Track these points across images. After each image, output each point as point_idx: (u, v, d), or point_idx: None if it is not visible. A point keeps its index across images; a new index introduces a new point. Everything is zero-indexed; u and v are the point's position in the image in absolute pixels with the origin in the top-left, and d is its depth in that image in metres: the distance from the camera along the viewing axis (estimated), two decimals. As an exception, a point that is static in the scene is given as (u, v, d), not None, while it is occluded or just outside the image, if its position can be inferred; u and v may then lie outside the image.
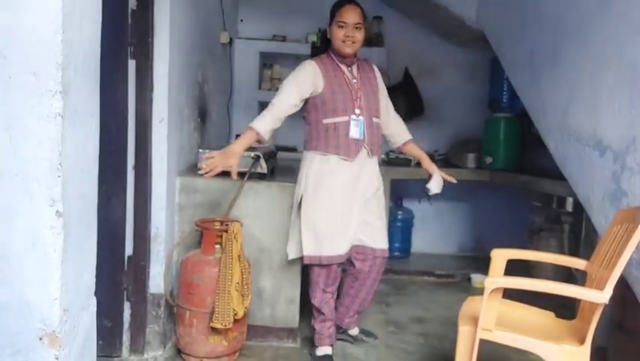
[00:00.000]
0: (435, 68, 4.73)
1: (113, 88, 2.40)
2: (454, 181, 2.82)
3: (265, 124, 2.51)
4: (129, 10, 2.42)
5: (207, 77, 3.36)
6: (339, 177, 2.54)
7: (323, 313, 2.66)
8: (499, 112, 4.31)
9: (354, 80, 2.59)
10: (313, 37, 4.49)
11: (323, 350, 2.67)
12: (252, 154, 2.81)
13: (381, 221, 2.70)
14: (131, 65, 2.45)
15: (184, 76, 2.80)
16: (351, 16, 2.51)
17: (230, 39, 3.97)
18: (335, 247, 2.54)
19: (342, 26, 2.51)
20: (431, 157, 4.46)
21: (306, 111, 2.63)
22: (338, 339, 2.84)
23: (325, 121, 2.54)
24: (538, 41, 3.08)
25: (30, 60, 1.37)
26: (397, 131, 2.84)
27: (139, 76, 2.47)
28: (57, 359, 1.44)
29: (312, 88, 2.53)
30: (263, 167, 2.83)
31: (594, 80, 2.48)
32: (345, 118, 2.53)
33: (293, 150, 4.51)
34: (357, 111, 2.54)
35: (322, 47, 2.73)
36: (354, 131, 2.52)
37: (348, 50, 2.53)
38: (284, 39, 4.50)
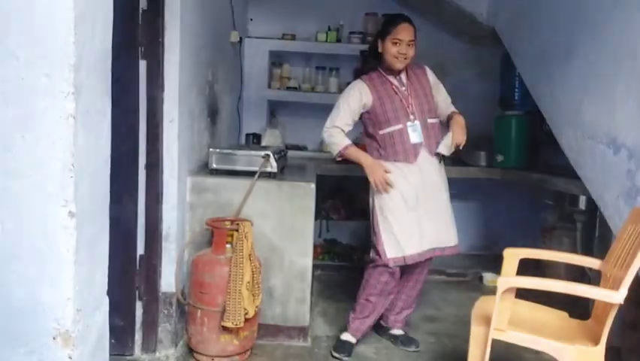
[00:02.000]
0: (445, 65, 4.67)
1: (125, 88, 2.41)
2: (460, 142, 2.72)
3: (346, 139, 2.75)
4: (140, 11, 2.42)
5: (217, 76, 3.36)
6: (404, 181, 2.64)
7: (367, 316, 2.78)
8: (510, 109, 4.26)
9: (403, 88, 2.71)
10: (323, 36, 4.48)
11: (347, 336, 2.79)
12: (262, 153, 2.81)
13: (451, 217, 2.77)
14: (142, 65, 2.46)
15: (194, 76, 2.81)
16: (406, 34, 2.64)
17: (240, 38, 3.97)
18: (414, 247, 2.64)
19: (397, 43, 2.64)
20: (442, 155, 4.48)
21: (364, 125, 2.81)
22: (380, 335, 2.92)
23: (381, 132, 2.69)
24: (550, 38, 3.05)
25: (43, 62, 1.38)
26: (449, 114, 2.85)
27: (150, 76, 2.47)
28: (70, 358, 1.45)
29: (361, 109, 2.72)
30: (273, 166, 2.83)
31: (608, 77, 2.45)
32: (400, 126, 2.66)
33: (303, 148, 4.51)
34: (412, 117, 2.67)
35: (371, 60, 2.80)
36: (414, 136, 2.65)
37: (399, 65, 2.67)
38: (293, 38, 4.50)
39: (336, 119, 2.71)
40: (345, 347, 2.74)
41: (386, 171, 2.62)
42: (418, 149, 2.66)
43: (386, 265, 2.63)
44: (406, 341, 2.88)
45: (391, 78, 2.72)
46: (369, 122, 2.75)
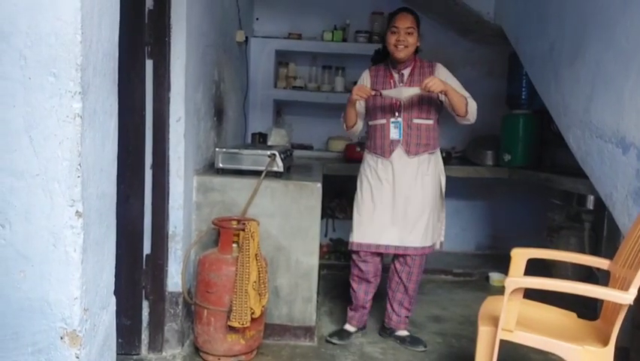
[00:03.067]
0: (452, 64, 4.61)
1: (131, 88, 2.42)
2: (428, 85, 2.56)
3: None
4: (146, 10, 2.43)
5: (223, 75, 3.36)
6: (377, 173, 2.78)
7: (352, 301, 2.94)
8: (517, 108, 4.25)
9: (401, 85, 2.74)
10: (329, 35, 4.47)
11: (345, 326, 2.95)
12: (268, 153, 2.81)
13: (422, 220, 2.76)
14: (149, 64, 2.46)
15: (200, 75, 2.81)
16: (402, 21, 2.69)
17: (246, 37, 3.97)
18: (373, 237, 2.76)
19: (395, 32, 2.70)
20: (448, 154, 4.47)
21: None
22: (385, 337, 2.94)
23: (370, 123, 2.85)
24: (558, 36, 3.03)
25: (50, 61, 1.38)
26: None
27: (156, 75, 2.48)
28: (78, 357, 1.45)
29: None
30: (279, 165, 2.82)
31: (617, 76, 2.43)
32: (383, 121, 2.77)
33: (309, 148, 4.50)
34: (396, 114, 2.73)
35: (382, 57, 2.90)
36: (393, 133, 2.73)
37: (399, 54, 2.70)
38: (299, 37, 4.49)
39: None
40: (340, 334, 2.90)
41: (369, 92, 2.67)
42: (394, 146, 2.73)
43: (354, 251, 2.81)
44: (412, 341, 2.88)
45: (394, 73, 2.78)
46: (366, 112, 2.86)
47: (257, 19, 4.60)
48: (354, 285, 2.89)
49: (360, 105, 2.81)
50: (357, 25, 4.52)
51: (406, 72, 2.77)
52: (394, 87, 2.72)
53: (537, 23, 3.31)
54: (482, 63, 4.68)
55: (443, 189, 2.88)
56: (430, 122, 2.77)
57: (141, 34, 2.42)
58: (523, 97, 4.16)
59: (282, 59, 4.60)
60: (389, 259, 2.93)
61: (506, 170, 4.25)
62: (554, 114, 3.09)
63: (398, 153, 2.73)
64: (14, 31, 1.37)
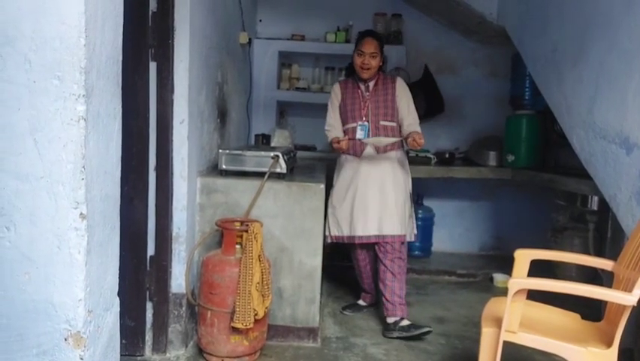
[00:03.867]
0: (455, 65, 4.68)
1: (135, 90, 2.43)
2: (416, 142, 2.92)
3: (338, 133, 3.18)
4: (150, 13, 2.44)
5: (227, 77, 3.37)
6: (349, 170, 3.09)
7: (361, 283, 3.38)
8: (520, 109, 4.24)
9: (367, 94, 3.11)
10: (332, 36, 4.48)
11: (359, 301, 3.40)
12: (272, 154, 2.82)
13: (398, 210, 3.04)
14: (152, 67, 2.47)
15: (204, 77, 2.82)
16: (368, 46, 3.02)
17: (249, 39, 3.98)
18: (348, 229, 3.07)
19: (360, 54, 3.03)
20: (452, 155, 4.47)
21: None
22: (391, 335, 2.98)
23: (344, 127, 3.16)
24: (561, 37, 3.03)
25: (54, 65, 1.39)
26: (408, 129, 3.10)
27: (160, 78, 2.49)
28: (82, 359, 1.46)
29: (337, 104, 3.19)
30: (282, 167, 2.83)
31: (620, 76, 2.43)
32: (354, 124, 3.11)
33: (312, 149, 4.51)
34: (364, 118, 3.09)
35: (351, 71, 3.23)
36: (359, 134, 3.07)
37: (364, 74, 3.07)
38: (302, 38, 4.50)
39: (328, 119, 3.20)
40: (353, 307, 3.36)
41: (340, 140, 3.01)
42: (363, 145, 3.06)
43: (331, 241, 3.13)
44: (416, 326, 2.95)
45: (361, 84, 3.13)
46: (341, 117, 3.19)
47: (260, 20, 4.61)
48: (356, 270, 3.33)
49: (336, 116, 3.17)
50: (360, 26, 4.48)
51: (371, 84, 3.12)
52: (359, 98, 3.11)
53: (540, 24, 3.30)
54: (485, 64, 4.68)
55: (410, 188, 3.18)
56: (394, 124, 3.09)
57: (145, 37, 2.43)
58: (527, 98, 4.16)
59: (285, 60, 4.61)
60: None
61: (510, 171, 4.25)
62: (558, 115, 3.09)
63: (368, 152, 3.06)
64: (19, 36, 1.38)
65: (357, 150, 3.08)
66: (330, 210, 3.12)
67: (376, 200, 3.02)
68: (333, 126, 3.17)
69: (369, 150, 3.06)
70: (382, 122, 3.07)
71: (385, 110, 3.08)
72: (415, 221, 3.24)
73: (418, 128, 3.07)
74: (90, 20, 1.41)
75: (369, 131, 3.06)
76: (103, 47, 1.49)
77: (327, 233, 3.09)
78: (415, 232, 3.23)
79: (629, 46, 2.36)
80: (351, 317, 3.27)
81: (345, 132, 3.13)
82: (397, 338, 2.94)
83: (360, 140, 3.04)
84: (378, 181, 3.04)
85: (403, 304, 3.03)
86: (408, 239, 3.12)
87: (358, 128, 3.06)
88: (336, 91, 3.20)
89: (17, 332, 1.45)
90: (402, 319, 2.99)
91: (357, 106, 3.10)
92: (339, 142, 2.98)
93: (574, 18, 2.89)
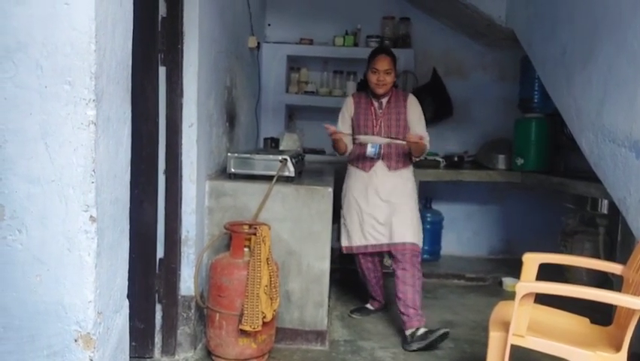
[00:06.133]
0: (463, 68, 4.67)
1: (144, 94, 2.45)
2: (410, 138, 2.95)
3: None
4: (159, 18, 2.46)
5: (235, 81, 3.40)
6: (359, 182, 3.12)
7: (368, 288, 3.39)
8: (529, 112, 4.22)
9: (380, 111, 3.13)
10: (340, 40, 4.49)
11: (367, 305, 3.41)
12: (280, 157, 2.83)
13: (410, 219, 3.05)
14: (162, 71, 2.50)
15: (213, 81, 2.84)
16: (381, 64, 3.03)
17: (258, 43, 4.01)
18: (359, 240, 3.12)
19: (375, 72, 3.04)
20: (461, 158, 4.46)
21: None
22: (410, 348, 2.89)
23: (355, 140, 3.16)
24: (570, 40, 3.01)
25: (65, 70, 1.41)
26: None
27: (169, 82, 2.51)
28: (91, 360, 1.47)
29: (350, 116, 3.21)
30: (290, 170, 2.84)
31: (629, 79, 2.41)
32: None
33: (321, 152, 4.52)
34: (375, 135, 3.09)
35: (363, 85, 3.26)
36: (370, 151, 3.10)
37: (379, 90, 3.07)
38: (311, 42, 4.52)
39: (337, 127, 3.17)
40: (361, 310, 3.38)
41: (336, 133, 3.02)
42: (373, 162, 3.10)
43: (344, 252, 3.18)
44: (432, 331, 2.87)
45: (374, 101, 3.14)
46: (352, 129, 3.21)
47: (269, 25, 4.64)
48: (362, 278, 3.33)
49: (345, 127, 3.18)
50: (368, 30, 4.54)
51: (384, 100, 3.13)
52: (372, 115, 3.12)
53: (549, 26, 3.29)
54: (494, 67, 4.67)
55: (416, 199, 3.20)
56: (405, 142, 3.03)
57: (154, 42, 2.46)
58: (536, 101, 4.14)
59: (294, 64, 4.63)
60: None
61: (519, 174, 4.23)
62: (567, 118, 3.07)
63: (379, 167, 3.09)
64: (31, 42, 1.41)
65: (366, 166, 3.11)
66: (342, 221, 3.19)
67: (387, 209, 3.04)
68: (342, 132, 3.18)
69: (380, 165, 3.09)
70: (396, 141, 3.07)
71: (397, 128, 3.11)
72: (420, 227, 3.21)
73: (425, 140, 3.02)
74: (100, 26, 1.43)
75: (380, 148, 3.08)
76: (113, 53, 1.51)
77: (343, 245, 3.19)
78: (421, 235, 3.17)
79: (638, 49, 2.35)
80: (359, 320, 3.27)
81: (356, 146, 3.15)
82: (417, 349, 2.84)
83: (370, 156, 3.08)
84: (389, 192, 3.06)
85: (419, 314, 2.93)
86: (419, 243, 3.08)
87: (369, 145, 3.07)
88: (349, 105, 3.21)
89: (29, 333, 1.47)
90: (418, 329, 2.89)
91: (370, 123, 3.13)
92: (336, 132, 2.99)
93: (583, 20, 2.88)
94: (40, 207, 1.44)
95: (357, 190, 3.11)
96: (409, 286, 2.95)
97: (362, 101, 3.19)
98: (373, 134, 3.10)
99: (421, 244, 3.10)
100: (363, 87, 3.26)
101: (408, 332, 2.91)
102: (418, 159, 3.21)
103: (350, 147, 3.17)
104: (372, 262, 3.23)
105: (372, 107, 3.14)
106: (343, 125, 3.19)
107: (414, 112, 3.14)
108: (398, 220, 3.03)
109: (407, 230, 3.02)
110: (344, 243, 3.17)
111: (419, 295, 2.97)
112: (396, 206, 3.05)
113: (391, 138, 3.04)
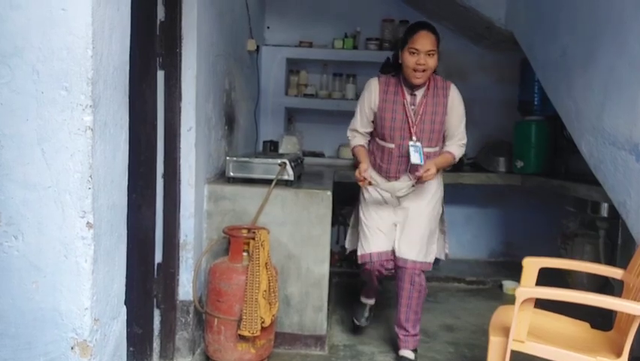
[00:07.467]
0: (463, 70, 4.66)
1: (143, 98, 2.44)
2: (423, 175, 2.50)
3: (362, 140, 2.74)
4: (158, 22, 2.45)
5: (234, 84, 3.39)
6: (380, 193, 2.66)
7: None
8: (529, 115, 4.22)
9: (413, 107, 2.53)
10: (339, 43, 4.49)
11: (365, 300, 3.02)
12: (279, 161, 2.82)
13: (422, 237, 2.63)
14: (160, 75, 2.49)
15: (211, 85, 2.83)
16: (424, 42, 2.42)
17: (257, 46, 4.00)
18: (376, 247, 2.67)
19: (414, 53, 2.43)
20: (460, 161, 4.43)
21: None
22: None
23: (377, 141, 2.67)
24: (570, 42, 3.01)
25: (61, 75, 1.41)
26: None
27: (167, 86, 2.50)
28: (88, 367, 1.47)
29: (372, 109, 2.62)
30: (290, 174, 2.83)
31: (630, 82, 2.41)
32: (391, 146, 2.58)
33: (320, 155, 4.51)
34: (414, 137, 2.53)
35: (391, 70, 2.63)
36: (414, 158, 2.50)
37: (417, 80, 2.46)
38: (310, 45, 4.51)
39: (354, 123, 2.73)
40: (367, 316, 3.00)
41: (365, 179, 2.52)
42: (400, 173, 2.60)
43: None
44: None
45: (406, 91, 2.54)
46: (375, 123, 2.66)
47: (268, 27, 4.63)
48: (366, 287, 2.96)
49: (365, 124, 2.68)
50: (368, 32, 4.53)
51: (420, 93, 2.54)
52: (404, 113, 2.53)
53: (549, 29, 3.29)
54: (494, 69, 4.66)
55: (443, 202, 2.78)
56: (437, 149, 2.61)
57: (152, 46, 2.45)
58: (536, 103, 4.13)
59: (293, 67, 4.63)
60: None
61: (519, 177, 4.22)
62: (566, 121, 3.06)
63: (404, 179, 2.61)
64: (27, 47, 1.40)
65: (390, 175, 2.62)
66: (358, 226, 2.78)
67: (402, 225, 2.64)
68: (359, 133, 2.71)
69: (404, 178, 2.60)
70: (426, 149, 2.54)
71: (431, 134, 2.53)
72: (447, 240, 2.86)
73: (456, 151, 2.60)
74: (97, 31, 1.43)
75: (422, 154, 2.50)
76: (110, 58, 1.51)
77: (347, 245, 2.96)
78: (447, 250, 2.85)
79: (639, 51, 2.34)
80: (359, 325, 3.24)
81: (378, 146, 2.64)
82: None
83: (414, 164, 2.51)
84: (409, 207, 2.63)
85: (411, 335, 2.72)
86: (438, 256, 2.79)
87: (411, 149, 2.50)
88: (373, 92, 2.58)
89: (25, 340, 1.47)
90: (402, 357, 2.72)
91: (400, 125, 2.52)
92: (360, 173, 2.50)
93: (583, 23, 2.87)
94: (36, 214, 1.44)
95: (375, 199, 2.68)
96: (403, 305, 2.70)
97: (390, 90, 2.55)
98: (411, 136, 2.50)
99: (442, 254, 2.79)
100: (392, 70, 2.61)
101: (402, 353, 2.74)
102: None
103: (356, 143, 2.70)
104: (376, 273, 2.77)
105: (404, 100, 2.52)
106: (362, 122, 2.64)
107: (456, 112, 2.56)
108: (411, 238, 2.62)
109: (416, 247, 2.62)
110: (360, 251, 2.73)
111: (418, 316, 2.73)
112: (415, 222, 2.62)
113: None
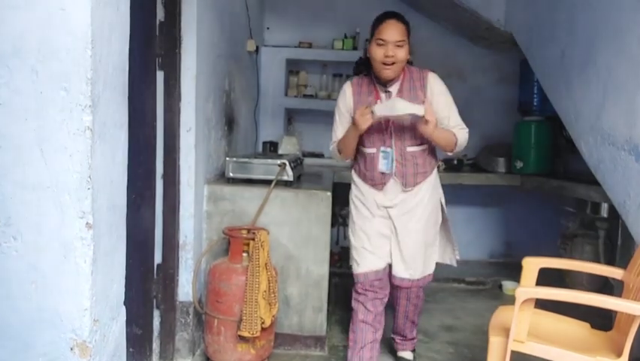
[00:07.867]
0: (463, 71, 4.66)
1: (142, 98, 2.44)
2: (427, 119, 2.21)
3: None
4: (157, 22, 2.45)
5: (234, 85, 3.39)
6: (368, 204, 2.46)
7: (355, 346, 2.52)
8: (529, 115, 4.22)
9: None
10: (339, 44, 4.49)
11: None
12: (279, 162, 2.82)
13: (418, 253, 2.44)
14: (160, 75, 2.49)
15: (211, 85, 2.83)
16: (391, 32, 2.23)
17: (257, 47, 4.00)
18: (366, 265, 2.45)
19: (382, 44, 2.24)
20: (460, 162, 4.44)
21: None
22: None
23: (360, 148, 2.44)
24: (569, 42, 3.01)
25: (61, 76, 1.40)
26: None
27: (167, 86, 2.50)
28: (88, 368, 1.46)
29: (349, 113, 2.41)
30: (289, 174, 2.83)
31: (629, 83, 2.41)
32: (373, 150, 2.39)
33: (320, 156, 4.51)
34: (387, 143, 2.35)
35: (363, 68, 2.44)
36: (382, 164, 2.35)
37: (387, 72, 2.26)
38: (310, 45, 4.51)
39: (335, 134, 2.50)
40: None
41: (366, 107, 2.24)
42: (386, 178, 2.38)
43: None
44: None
45: (379, 89, 2.35)
46: None
47: (267, 28, 4.63)
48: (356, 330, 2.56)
49: (346, 124, 2.44)
50: (368, 33, 4.51)
51: (394, 89, 2.33)
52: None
53: (548, 29, 3.29)
54: (493, 70, 4.66)
55: (444, 206, 2.55)
56: (425, 146, 2.40)
57: (152, 46, 2.45)
58: (535, 104, 4.14)
59: (293, 67, 4.62)
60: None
61: (519, 177, 4.22)
62: (566, 121, 3.06)
63: (393, 185, 2.39)
64: (26, 47, 1.40)
65: (376, 182, 2.40)
66: (351, 244, 2.55)
67: (397, 241, 2.44)
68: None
69: (393, 183, 2.38)
70: (410, 149, 2.35)
71: (413, 131, 2.30)
72: (456, 244, 2.64)
73: (458, 133, 2.38)
74: (96, 32, 1.42)
75: (393, 160, 2.34)
76: (109, 58, 1.51)
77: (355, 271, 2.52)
78: (458, 257, 2.65)
79: (638, 51, 2.34)
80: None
81: (361, 157, 2.45)
82: None
83: (383, 172, 2.37)
84: (402, 221, 2.42)
85: (408, 340, 2.74)
86: (448, 262, 2.66)
87: (380, 156, 2.34)
88: (347, 96, 2.40)
89: (24, 341, 1.46)
90: (410, 352, 2.74)
91: (377, 126, 2.31)
92: (359, 112, 2.21)
93: (582, 23, 2.87)
94: (35, 214, 1.43)
95: (364, 211, 2.47)
96: (401, 312, 2.65)
97: (363, 90, 2.37)
98: (383, 140, 2.33)
99: (452, 258, 2.63)
100: (364, 68, 2.42)
101: (398, 354, 2.76)
102: (451, 154, 2.49)
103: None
104: (373, 295, 2.52)
105: (379, 100, 2.31)
106: (342, 127, 2.43)
107: (440, 101, 2.33)
108: (407, 256, 2.43)
109: (418, 266, 2.45)
110: (356, 270, 2.49)
111: (416, 322, 2.69)
112: (410, 238, 2.42)
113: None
